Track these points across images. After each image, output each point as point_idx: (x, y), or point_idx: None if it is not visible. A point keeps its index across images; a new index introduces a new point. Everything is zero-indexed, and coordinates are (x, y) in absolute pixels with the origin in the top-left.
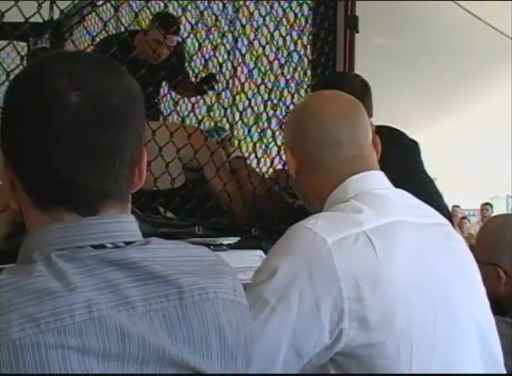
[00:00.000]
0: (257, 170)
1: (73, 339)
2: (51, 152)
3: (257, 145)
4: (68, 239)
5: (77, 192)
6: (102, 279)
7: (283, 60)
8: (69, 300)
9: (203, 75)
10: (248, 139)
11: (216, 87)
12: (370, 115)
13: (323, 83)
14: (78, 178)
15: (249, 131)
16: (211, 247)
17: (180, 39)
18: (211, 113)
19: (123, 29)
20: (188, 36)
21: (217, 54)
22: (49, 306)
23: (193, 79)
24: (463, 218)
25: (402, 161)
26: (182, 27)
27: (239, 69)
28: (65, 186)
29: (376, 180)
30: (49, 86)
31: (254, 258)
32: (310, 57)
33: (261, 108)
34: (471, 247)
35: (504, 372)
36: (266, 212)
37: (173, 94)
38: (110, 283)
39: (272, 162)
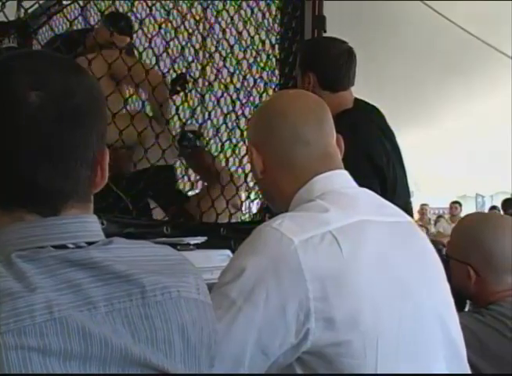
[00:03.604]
0: (226, 169)
1: (33, 340)
2: (10, 151)
3: (226, 145)
4: (29, 239)
5: (38, 192)
6: (64, 279)
7: (251, 60)
8: (29, 301)
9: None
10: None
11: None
12: (352, 84)
13: (311, 47)
14: (39, 179)
15: (217, 130)
16: (178, 246)
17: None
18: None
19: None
20: (155, 35)
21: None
22: (9, 307)
23: None
24: (440, 216)
25: (379, 142)
26: (149, 27)
27: (207, 68)
28: (25, 186)
29: (342, 179)
30: (9, 85)
31: (221, 257)
32: (278, 57)
33: (230, 108)
34: (442, 245)
35: (468, 370)
36: None
37: None
38: (72, 283)
39: (240, 161)
